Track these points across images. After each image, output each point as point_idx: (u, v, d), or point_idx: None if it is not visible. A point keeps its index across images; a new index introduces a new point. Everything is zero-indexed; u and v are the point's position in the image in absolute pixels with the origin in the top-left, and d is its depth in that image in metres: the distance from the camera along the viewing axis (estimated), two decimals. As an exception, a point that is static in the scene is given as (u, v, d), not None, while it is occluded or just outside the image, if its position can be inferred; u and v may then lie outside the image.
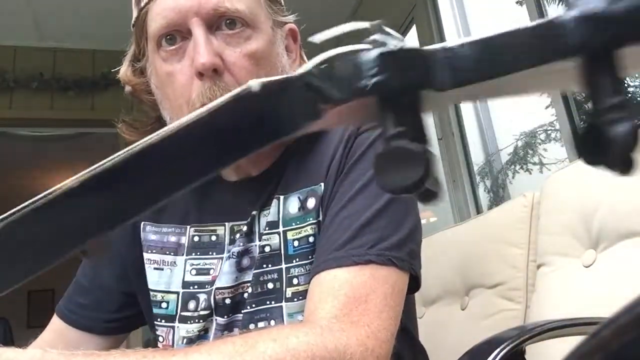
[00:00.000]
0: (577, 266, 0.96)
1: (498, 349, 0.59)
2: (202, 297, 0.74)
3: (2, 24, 2.97)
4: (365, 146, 0.69)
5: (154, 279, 0.78)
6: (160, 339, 0.77)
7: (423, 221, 3.03)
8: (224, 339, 0.53)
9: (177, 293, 0.76)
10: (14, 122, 3.32)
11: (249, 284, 0.72)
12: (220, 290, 0.72)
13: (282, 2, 0.77)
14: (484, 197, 2.37)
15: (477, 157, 2.45)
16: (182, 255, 0.77)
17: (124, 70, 0.75)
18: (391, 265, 0.62)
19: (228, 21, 0.67)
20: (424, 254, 1.39)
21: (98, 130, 3.40)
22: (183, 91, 0.68)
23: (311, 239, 0.69)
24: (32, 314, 6.17)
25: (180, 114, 0.69)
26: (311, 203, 0.70)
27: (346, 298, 0.58)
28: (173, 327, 0.75)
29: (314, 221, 0.69)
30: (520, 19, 1.94)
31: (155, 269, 0.78)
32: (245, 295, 0.71)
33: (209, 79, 0.65)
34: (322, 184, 0.70)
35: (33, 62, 3.20)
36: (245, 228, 0.73)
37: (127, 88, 0.77)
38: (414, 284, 0.68)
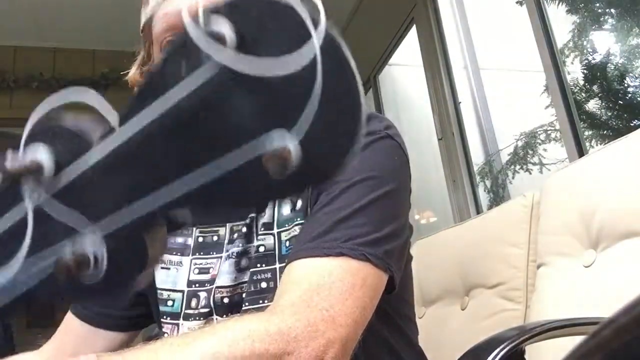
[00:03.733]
0: (577, 266, 0.96)
1: (498, 349, 0.59)
2: (203, 295, 0.77)
3: (2, 24, 2.97)
4: None
5: (162, 278, 0.80)
6: (166, 335, 0.79)
7: (423, 221, 3.03)
8: (164, 339, 0.53)
9: (182, 292, 0.79)
10: (14, 122, 3.32)
11: (246, 286, 0.74)
12: (220, 289, 0.75)
13: None
14: (484, 197, 2.37)
15: (477, 157, 2.45)
16: (188, 255, 0.80)
17: (132, 73, 0.78)
18: (365, 260, 0.62)
19: None
20: (424, 254, 1.39)
21: (98, 130, 3.38)
22: None
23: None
24: (32, 314, 6.17)
25: None
26: (299, 204, 0.73)
27: (309, 285, 0.58)
28: (178, 325, 0.77)
29: (301, 221, 0.71)
30: (520, 19, 1.94)
31: (162, 268, 0.80)
32: (244, 295, 0.73)
33: None
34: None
35: (33, 62, 3.20)
36: (244, 229, 0.76)
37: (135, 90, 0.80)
38: (390, 284, 0.67)
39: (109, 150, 0.23)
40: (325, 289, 0.58)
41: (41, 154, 0.24)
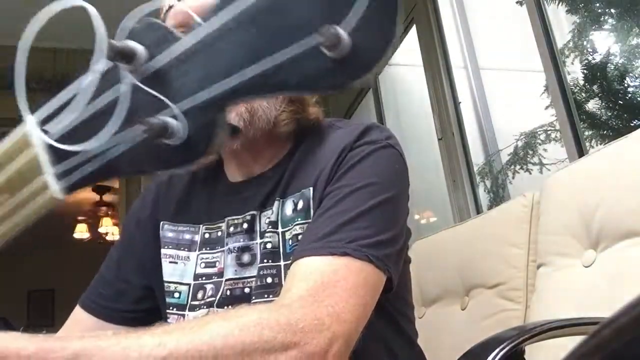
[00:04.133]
0: (577, 266, 0.96)
1: (498, 349, 0.59)
2: (209, 286, 0.81)
3: (2, 24, 2.98)
4: (358, 158, 0.75)
5: (169, 271, 0.85)
6: None
7: (423, 221, 3.02)
8: (180, 322, 0.56)
9: (189, 285, 0.83)
10: (14, 122, 3.31)
11: (250, 280, 0.77)
12: (226, 282, 0.79)
13: None
14: (484, 197, 2.37)
15: (477, 157, 2.44)
16: (195, 251, 0.85)
17: None
18: (367, 260, 0.65)
19: None
20: (424, 254, 1.39)
21: (98, 130, 3.39)
22: None
23: (300, 237, 0.74)
24: (32, 314, 6.18)
25: None
26: (301, 205, 0.76)
27: (315, 282, 0.61)
28: (184, 315, 0.82)
29: (303, 221, 0.75)
30: (520, 19, 1.94)
31: (170, 262, 0.86)
32: (247, 290, 0.77)
33: None
34: (311, 189, 0.76)
35: (33, 62, 3.19)
36: (245, 225, 0.80)
37: None
38: (387, 285, 0.70)
39: (192, 42, 0.30)
40: (330, 286, 0.61)
41: (132, 45, 0.30)
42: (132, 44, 0.30)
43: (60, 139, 0.33)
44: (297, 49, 0.27)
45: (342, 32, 0.26)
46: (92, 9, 0.32)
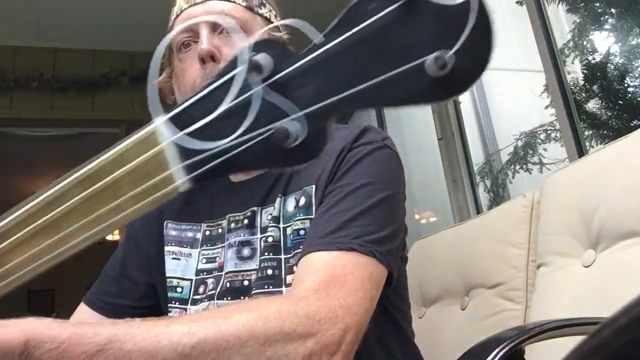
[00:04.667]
0: (577, 266, 0.96)
1: (498, 349, 0.60)
2: (210, 281, 0.85)
3: (2, 24, 2.98)
4: (357, 158, 0.79)
5: (172, 267, 0.89)
6: None
7: (423, 221, 3.02)
8: (205, 311, 0.60)
9: (191, 280, 0.87)
10: (14, 122, 3.32)
11: (250, 273, 0.81)
12: (226, 275, 0.82)
13: (280, 28, 0.90)
14: (484, 197, 2.37)
15: (477, 157, 2.45)
16: (197, 248, 0.89)
17: (161, 78, 0.91)
18: (371, 256, 0.69)
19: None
20: (424, 254, 1.39)
21: (98, 130, 3.40)
22: (190, 78, 0.83)
23: (302, 232, 0.78)
24: (32, 314, 6.17)
25: (185, 96, 0.79)
26: (302, 201, 0.80)
27: (326, 275, 0.64)
28: (186, 309, 0.85)
29: (304, 217, 0.79)
30: (520, 19, 1.94)
31: (173, 258, 0.90)
32: (245, 283, 0.81)
33: (209, 65, 0.80)
34: (313, 186, 0.80)
35: (33, 62, 3.20)
36: (246, 221, 0.83)
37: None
38: (388, 280, 0.73)
39: (312, 58, 0.34)
40: (339, 280, 0.64)
41: (262, 57, 0.35)
42: (266, 58, 0.35)
43: (188, 135, 0.37)
44: (407, 69, 0.31)
45: (450, 57, 0.29)
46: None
